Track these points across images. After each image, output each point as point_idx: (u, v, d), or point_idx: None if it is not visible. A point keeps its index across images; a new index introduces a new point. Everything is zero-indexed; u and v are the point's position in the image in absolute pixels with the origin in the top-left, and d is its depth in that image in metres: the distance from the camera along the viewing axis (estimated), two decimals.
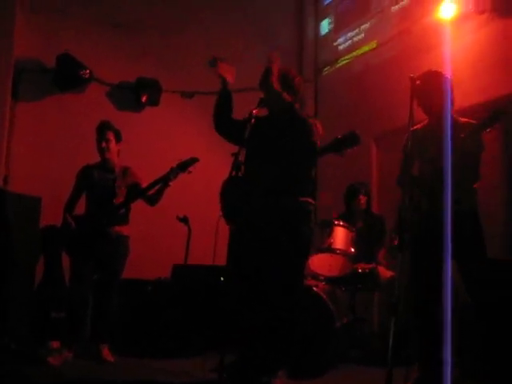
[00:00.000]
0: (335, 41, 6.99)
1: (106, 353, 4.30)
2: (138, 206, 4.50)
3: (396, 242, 3.05)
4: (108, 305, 4.37)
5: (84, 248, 4.27)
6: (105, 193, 4.37)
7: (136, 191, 4.40)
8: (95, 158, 4.52)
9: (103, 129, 4.47)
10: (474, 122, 3.37)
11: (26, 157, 5.81)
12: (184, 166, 4.28)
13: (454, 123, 3.37)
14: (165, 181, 4.29)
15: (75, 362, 4.13)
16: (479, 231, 3.37)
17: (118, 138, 4.52)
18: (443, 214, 3.17)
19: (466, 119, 3.46)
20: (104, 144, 4.43)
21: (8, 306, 4.53)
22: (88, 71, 6.15)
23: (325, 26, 7.24)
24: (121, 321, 4.78)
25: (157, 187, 4.34)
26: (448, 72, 3.61)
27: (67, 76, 6.07)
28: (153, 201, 4.43)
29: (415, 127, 3.58)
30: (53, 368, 3.92)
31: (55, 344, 4.29)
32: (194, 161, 4.29)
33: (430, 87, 3.47)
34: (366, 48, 6.42)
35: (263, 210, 3.46)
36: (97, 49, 6.32)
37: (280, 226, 3.43)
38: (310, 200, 3.54)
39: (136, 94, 6.40)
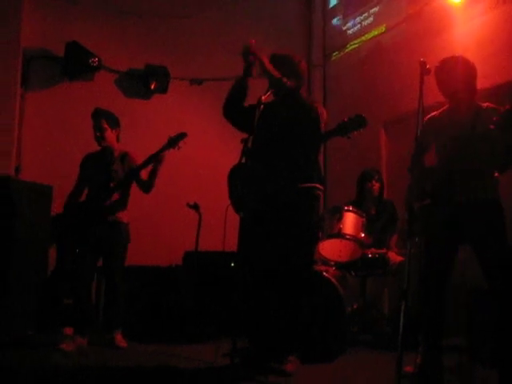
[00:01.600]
0: (344, 25, 6.94)
1: (119, 339, 4.34)
2: (149, 194, 4.52)
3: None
4: (115, 291, 4.38)
5: (83, 235, 4.29)
6: (101, 178, 4.36)
7: (130, 172, 4.37)
8: None
9: (95, 117, 4.44)
10: (497, 107, 3.28)
11: (36, 146, 5.84)
12: (173, 142, 4.22)
13: (477, 109, 3.34)
14: (154, 158, 4.24)
15: (88, 349, 4.18)
16: (500, 220, 3.29)
17: (113, 124, 4.47)
18: (457, 203, 3.17)
19: (488, 104, 3.38)
20: (98, 133, 4.41)
21: (21, 294, 4.58)
22: (97, 59, 6.14)
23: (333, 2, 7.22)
24: (133, 307, 4.85)
25: (150, 168, 4.30)
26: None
27: (76, 64, 6.07)
28: (146, 186, 4.36)
29: (432, 114, 3.56)
30: (66, 354, 3.95)
31: (68, 330, 4.34)
32: (182, 136, 4.23)
33: (452, 72, 3.41)
34: (375, 32, 6.39)
35: (271, 196, 3.48)
36: (105, 36, 6.32)
37: (287, 211, 3.46)
38: (317, 185, 3.56)
39: (144, 82, 6.40)
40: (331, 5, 7.25)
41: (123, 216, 4.42)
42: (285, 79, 3.54)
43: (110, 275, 4.42)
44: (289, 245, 3.46)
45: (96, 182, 4.41)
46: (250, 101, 3.70)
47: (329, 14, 7.27)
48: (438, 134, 3.44)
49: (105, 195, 4.31)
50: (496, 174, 3.38)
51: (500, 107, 3.21)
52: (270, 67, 3.53)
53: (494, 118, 3.07)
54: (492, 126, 3.06)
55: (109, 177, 4.35)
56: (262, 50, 3.56)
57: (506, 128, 3.07)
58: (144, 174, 4.35)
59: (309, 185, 3.53)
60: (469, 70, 3.44)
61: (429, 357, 3.28)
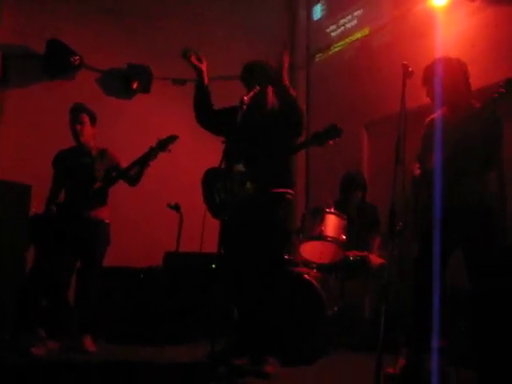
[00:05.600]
0: (328, 27, 6.95)
1: (88, 343, 4.20)
2: (130, 194, 4.48)
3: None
4: (88, 293, 4.28)
5: (63, 235, 4.21)
6: (83, 177, 4.29)
7: (116, 173, 4.32)
8: None
9: (77, 111, 4.37)
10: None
11: (15, 145, 5.75)
12: (163, 145, 4.20)
13: (470, 109, 3.34)
14: (145, 160, 4.21)
15: (59, 353, 4.08)
16: (490, 225, 3.29)
17: (93, 121, 4.42)
18: (450, 207, 3.17)
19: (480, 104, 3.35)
20: (79, 127, 4.34)
21: None
22: (78, 57, 6.07)
23: (317, 11, 7.20)
24: (112, 309, 4.79)
25: (137, 168, 4.27)
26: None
27: (57, 62, 5.99)
28: (133, 181, 4.33)
29: (433, 116, 3.56)
30: (34, 358, 3.85)
31: (42, 333, 4.24)
32: (173, 138, 4.21)
33: (451, 75, 3.39)
34: (358, 35, 6.40)
35: (247, 201, 3.51)
36: (87, 35, 6.25)
37: (260, 215, 3.53)
38: (288, 190, 3.67)
39: (127, 81, 6.34)
40: (315, 14, 7.24)
41: (105, 216, 4.36)
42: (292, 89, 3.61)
43: (86, 277, 4.33)
44: (262, 247, 3.52)
45: (75, 182, 4.33)
46: (230, 102, 3.70)
47: (312, 16, 7.27)
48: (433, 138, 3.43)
49: (88, 195, 4.24)
50: (491, 176, 3.38)
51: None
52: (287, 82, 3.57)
53: (475, 108, 3.09)
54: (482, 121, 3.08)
55: (92, 177, 4.28)
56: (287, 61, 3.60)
57: (485, 117, 3.10)
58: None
59: (277, 189, 3.62)
60: (461, 70, 3.43)
61: (414, 359, 3.28)
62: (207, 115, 3.79)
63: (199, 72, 3.78)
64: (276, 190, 3.61)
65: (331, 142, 3.48)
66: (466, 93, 3.44)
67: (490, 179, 3.38)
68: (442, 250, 3.24)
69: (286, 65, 3.56)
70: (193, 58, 3.74)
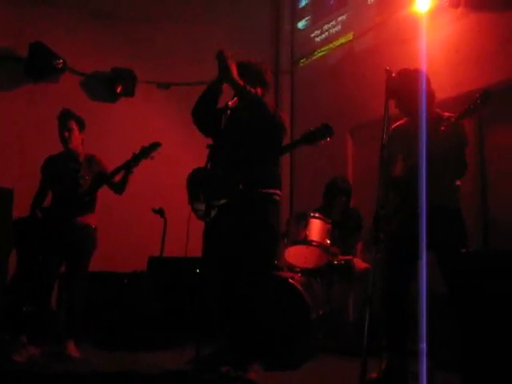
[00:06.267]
0: (312, 32, 6.99)
1: (72, 348, 4.14)
2: (114, 198, 4.45)
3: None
4: (73, 298, 4.25)
5: (49, 239, 4.17)
6: (69, 183, 4.27)
7: (100, 178, 4.31)
8: None
9: (65, 117, 4.35)
10: (451, 115, 3.34)
11: None
12: (146, 152, 4.18)
13: (437, 118, 3.36)
14: (127, 167, 4.20)
15: (40, 359, 4.02)
16: (461, 228, 3.38)
17: (81, 127, 4.40)
18: (418, 212, 3.19)
19: (449, 113, 3.42)
20: (66, 133, 4.32)
21: None
22: (61, 61, 6.03)
23: (302, 22, 7.25)
24: (97, 314, 4.75)
25: (121, 174, 4.26)
26: (423, 64, 3.61)
27: (40, 65, 5.95)
28: (118, 188, 4.33)
29: (399, 123, 3.59)
30: (16, 365, 3.80)
31: (24, 339, 4.19)
32: (156, 146, 4.19)
33: (407, 86, 3.42)
34: (342, 40, 6.44)
35: (232, 202, 3.47)
36: (71, 38, 6.21)
37: (244, 216, 3.48)
38: (276, 191, 3.61)
39: (111, 85, 6.31)
40: (299, 17, 7.27)
41: (92, 221, 4.34)
42: (248, 87, 3.53)
43: (71, 282, 4.29)
44: (247, 250, 3.47)
45: (63, 187, 4.32)
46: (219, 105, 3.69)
47: (296, 20, 7.30)
48: (402, 144, 3.46)
49: (73, 201, 4.22)
50: (458, 183, 3.44)
51: (453, 115, 3.29)
52: (235, 75, 3.51)
53: (442, 128, 3.15)
54: (443, 128, 3.16)
55: (76, 183, 4.26)
56: (231, 57, 3.53)
57: (452, 135, 3.15)
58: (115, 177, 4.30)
59: (265, 190, 3.56)
60: (421, 80, 3.47)
61: (394, 362, 3.30)
62: (208, 115, 3.71)
63: (226, 75, 3.55)
64: (264, 191, 3.55)
65: (322, 142, 3.44)
66: (432, 101, 3.47)
67: (457, 185, 3.44)
68: (410, 253, 3.26)
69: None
70: (229, 60, 3.53)
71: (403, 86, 3.40)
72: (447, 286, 3.28)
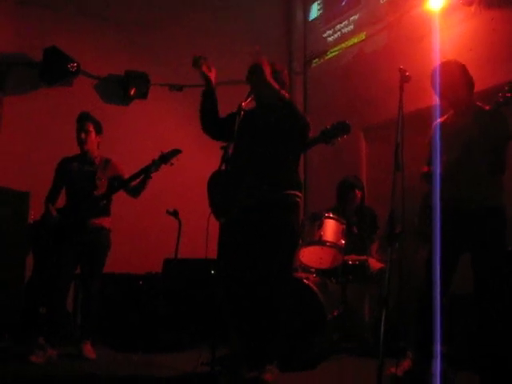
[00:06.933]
0: (324, 32, 6.98)
1: (88, 349, 4.20)
2: (128, 200, 4.47)
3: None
4: (90, 299, 4.30)
5: (64, 240, 4.20)
6: (85, 185, 4.31)
7: (118, 183, 4.35)
8: None
9: (83, 120, 4.41)
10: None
11: (14, 152, 5.73)
12: (166, 158, 4.23)
13: (480, 111, 3.34)
14: (146, 172, 4.25)
15: (59, 360, 4.06)
16: (501, 226, 3.29)
17: (99, 130, 4.45)
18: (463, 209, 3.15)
19: (489, 106, 3.35)
20: (83, 135, 4.37)
21: None
22: (75, 64, 6.07)
23: (314, 11, 7.23)
24: (112, 316, 4.78)
25: (139, 179, 4.30)
26: (436, 63, 3.59)
27: (54, 69, 5.99)
28: (135, 192, 4.37)
29: (440, 120, 3.56)
30: (34, 366, 3.83)
31: (42, 341, 4.24)
32: (176, 152, 4.24)
33: (452, 78, 3.40)
34: (354, 40, 6.43)
35: (251, 204, 3.45)
36: (84, 42, 6.25)
37: (268, 218, 3.43)
38: (297, 193, 3.55)
39: (124, 87, 6.34)
40: (311, 14, 7.27)
41: (106, 222, 4.37)
42: (282, 90, 3.51)
43: (88, 283, 4.34)
44: (269, 252, 3.43)
45: (79, 189, 4.35)
46: (230, 108, 3.68)
47: (309, 21, 7.29)
48: (445, 140, 3.41)
49: (89, 203, 4.25)
50: (500, 178, 3.35)
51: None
52: (270, 78, 3.47)
53: (484, 121, 3.10)
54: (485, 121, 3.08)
55: (93, 185, 4.30)
56: (264, 58, 3.52)
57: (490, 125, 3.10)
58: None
59: (289, 192, 3.51)
60: (466, 72, 3.44)
61: (421, 364, 3.27)
62: (213, 124, 3.74)
63: (208, 81, 3.71)
64: (284, 192, 3.49)
65: (339, 140, 3.42)
66: (469, 94, 3.44)
67: (499, 181, 3.34)
68: (452, 253, 3.22)
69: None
70: (204, 67, 3.68)
71: (449, 78, 3.37)
72: (477, 285, 3.24)
